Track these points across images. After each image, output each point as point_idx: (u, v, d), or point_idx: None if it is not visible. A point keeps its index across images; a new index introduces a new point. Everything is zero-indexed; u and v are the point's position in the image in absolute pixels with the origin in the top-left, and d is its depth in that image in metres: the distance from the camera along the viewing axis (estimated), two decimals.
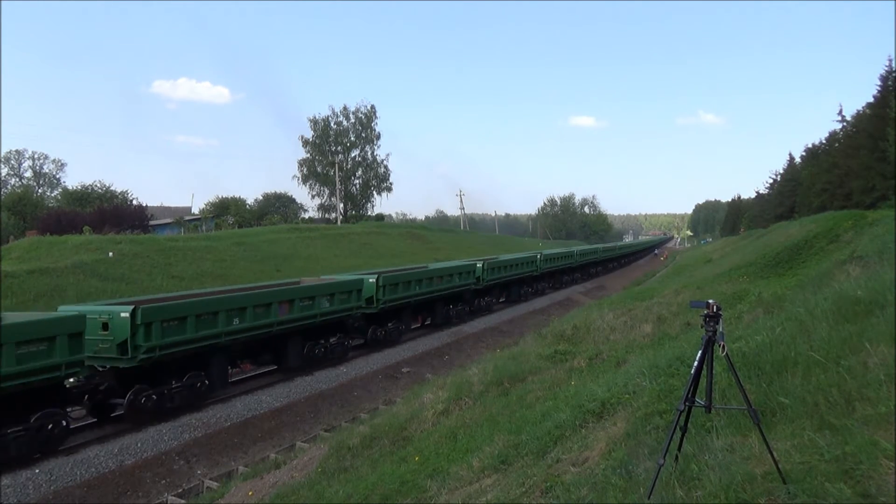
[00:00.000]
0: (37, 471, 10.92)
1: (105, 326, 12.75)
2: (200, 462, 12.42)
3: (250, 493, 9.87)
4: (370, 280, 20.69)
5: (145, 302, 14.00)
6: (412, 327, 24.34)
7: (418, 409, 11.12)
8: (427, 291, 24.00)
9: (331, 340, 18.57)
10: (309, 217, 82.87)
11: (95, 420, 13.42)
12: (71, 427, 12.21)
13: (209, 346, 14.50)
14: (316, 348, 17.92)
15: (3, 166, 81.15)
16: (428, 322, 25.88)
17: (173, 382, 13.86)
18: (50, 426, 11.41)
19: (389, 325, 21.88)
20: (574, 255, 47.07)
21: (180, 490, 11.33)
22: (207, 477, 11.80)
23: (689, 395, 3.74)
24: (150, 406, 13.25)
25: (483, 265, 29.85)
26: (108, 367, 13.15)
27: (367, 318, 20.85)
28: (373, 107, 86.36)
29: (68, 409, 12.31)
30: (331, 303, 18.15)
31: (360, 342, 20.91)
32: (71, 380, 12.35)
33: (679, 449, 3.95)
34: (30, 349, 10.82)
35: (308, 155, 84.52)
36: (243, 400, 15.27)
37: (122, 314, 12.71)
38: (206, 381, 14.60)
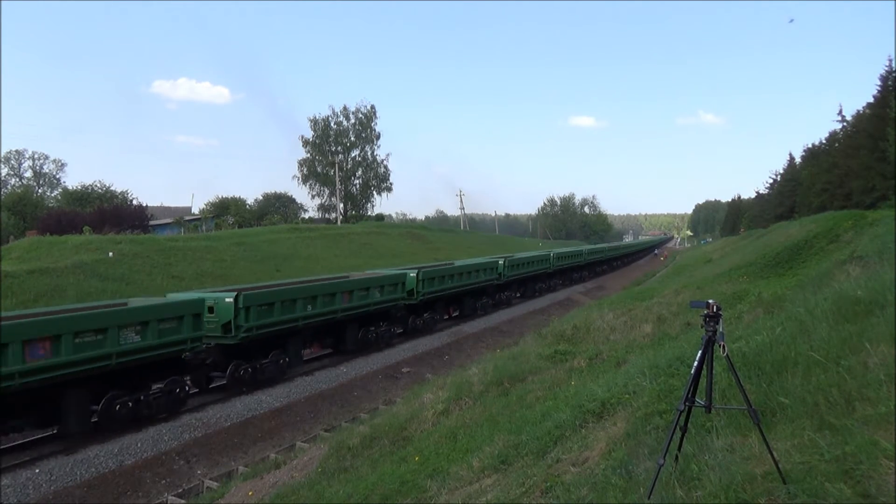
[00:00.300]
0: (37, 471, 10.92)
1: (211, 310, 14.91)
2: (200, 462, 12.41)
3: (250, 493, 9.87)
4: (411, 274, 22.99)
5: (243, 290, 16.21)
6: (444, 318, 26.57)
7: (418, 409, 11.12)
8: (458, 285, 26.33)
9: (381, 327, 21.00)
10: (309, 217, 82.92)
11: (198, 390, 15.43)
12: (190, 392, 14.42)
13: (289, 328, 16.78)
14: (368, 334, 20.32)
15: (3, 166, 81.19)
16: (456, 314, 27.84)
17: (262, 359, 16.08)
18: (177, 390, 13.72)
19: (426, 315, 24.15)
20: (583, 253, 50.35)
21: (180, 490, 11.33)
22: (207, 477, 11.79)
23: (689, 395, 3.74)
24: (247, 378, 15.65)
25: (504, 262, 31.85)
26: (212, 344, 15.30)
27: (407, 308, 22.91)
28: (372, 107, 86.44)
29: (186, 378, 14.47)
30: (381, 294, 20.62)
31: (401, 331, 22.80)
32: (185, 355, 14.26)
33: (679, 449, 3.95)
34: (166, 326, 13.15)
35: (308, 155, 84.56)
36: (243, 400, 15.27)
37: (227, 299, 15.03)
38: (286, 359, 16.84)
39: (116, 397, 12.40)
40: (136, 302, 14.78)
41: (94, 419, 12.29)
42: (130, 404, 12.62)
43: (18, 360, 10.46)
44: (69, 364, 11.26)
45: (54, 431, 12.30)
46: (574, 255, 47.84)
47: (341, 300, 18.58)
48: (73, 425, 11.84)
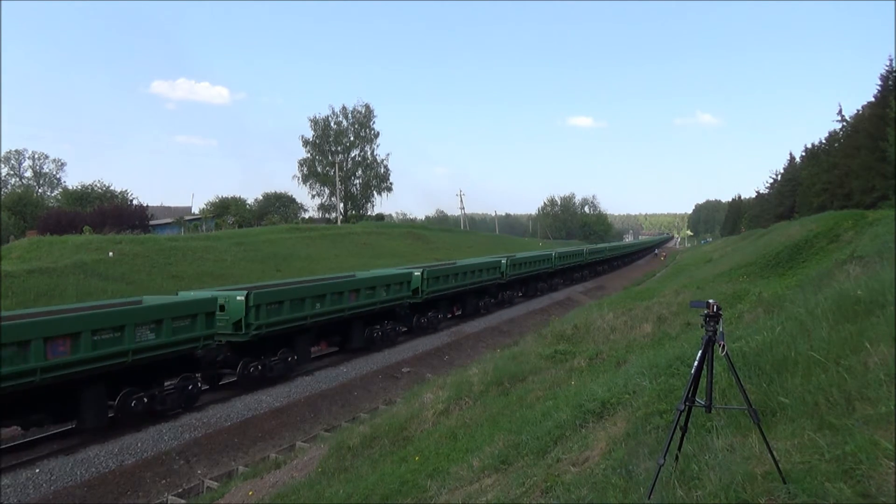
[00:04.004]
0: (37, 470, 10.92)
1: (222, 308, 15.07)
2: (200, 462, 12.41)
3: (250, 493, 9.88)
4: (416, 273, 23.06)
5: (252, 288, 16.37)
6: (448, 317, 26.63)
7: (418, 409, 11.12)
8: (461, 284, 26.44)
9: (386, 326, 21.13)
10: (309, 217, 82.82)
11: (208, 387, 15.67)
12: (202, 389, 14.71)
13: (299, 326, 17.00)
14: (374, 332, 20.49)
15: (3, 166, 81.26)
16: (459, 313, 27.87)
17: (271, 356, 16.28)
18: (190, 387, 14.05)
19: (430, 313, 24.24)
20: (584, 253, 50.19)
21: (180, 490, 11.33)
22: (207, 477, 11.80)
23: (690, 395, 3.74)
24: (257, 374, 15.84)
25: (507, 261, 31.95)
26: (223, 341, 15.43)
27: (412, 307, 23.00)
28: (367, 105, 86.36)
29: (197, 375, 14.62)
30: (387, 292, 20.77)
31: (405, 329, 22.89)
32: (198, 352, 14.48)
33: (679, 449, 3.95)
34: (180, 324, 13.43)
35: (308, 155, 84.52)
36: (243, 400, 15.26)
37: (238, 297, 15.24)
38: (295, 356, 17.06)
39: (132, 393, 12.73)
40: (151, 300, 14.94)
41: (111, 414, 12.60)
42: (145, 400, 12.95)
43: (40, 357, 10.75)
44: (88, 360, 11.54)
45: (73, 426, 12.62)
46: (575, 254, 48.21)
47: (348, 298, 18.80)
48: (91, 420, 12.16)
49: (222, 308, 15.12)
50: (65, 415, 12.24)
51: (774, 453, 3.48)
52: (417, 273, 23.14)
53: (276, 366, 16.41)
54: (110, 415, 12.56)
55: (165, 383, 13.68)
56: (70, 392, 11.78)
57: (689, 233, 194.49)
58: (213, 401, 14.93)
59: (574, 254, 47.95)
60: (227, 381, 16.27)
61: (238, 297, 15.24)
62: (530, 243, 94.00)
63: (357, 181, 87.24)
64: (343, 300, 18.58)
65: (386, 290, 20.74)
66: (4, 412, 11.11)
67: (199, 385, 14.63)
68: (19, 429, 12.39)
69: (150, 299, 15.20)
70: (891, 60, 44.17)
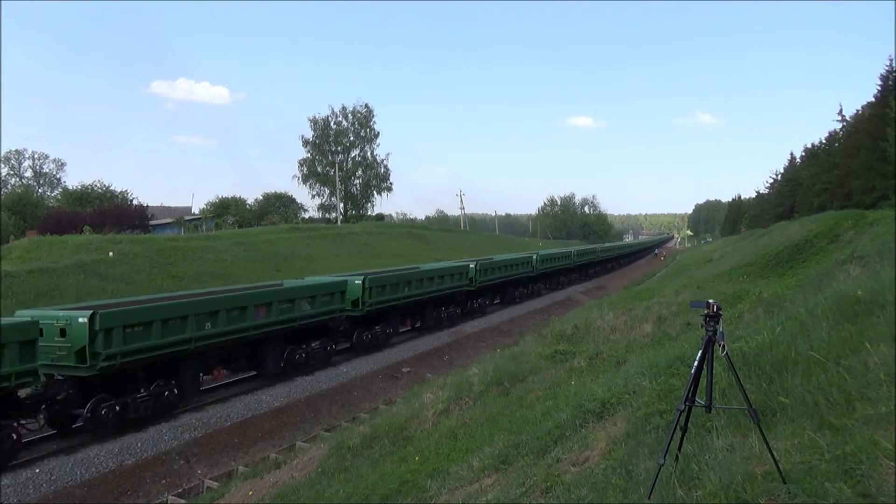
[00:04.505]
0: (37, 470, 10.93)
1: (63, 332, 11.99)
2: (200, 462, 12.42)
3: (250, 493, 9.88)
4: (356, 282, 19.67)
5: (108, 306, 13.25)
6: (400, 331, 23.36)
7: (418, 409, 11.12)
8: (417, 293, 22.90)
9: (313, 345, 17.89)
10: (309, 217, 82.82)
11: (55, 431, 12.63)
12: (24, 440, 11.64)
13: (177, 352, 13.62)
14: (297, 353, 17.25)
15: (3, 166, 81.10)
16: (418, 325, 24.92)
17: (140, 391, 13.11)
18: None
19: (377, 328, 20.91)
20: (571, 255, 45.73)
21: (180, 490, 11.34)
22: (207, 477, 11.80)
23: (690, 395, 3.74)
24: (112, 417, 12.45)
25: (476, 266, 28.48)
26: (66, 375, 12.35)
27: (352, 321, 20.01)
28: (367, 105, 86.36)
29: (23, 422, 11.74)
30: (312, 305, 17.41)
31: (346, 346, 20.27)
32: (27, 390, 11.83)
33: (679, 449, 3.95)
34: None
35: (308, 155, 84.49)
36: (243, 400, 15.27)
37: (80, 319, 11.95)
38: (176, 390, 13.82)
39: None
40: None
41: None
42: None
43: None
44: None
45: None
46: (562, 256, 43.85)
47: (254, 315, 15.54)
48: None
49: (63, 333, 12.16)
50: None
51: (774, 453, 3.48)
52: (357, 281, 19.79)
53: (143, 404, 13.02)
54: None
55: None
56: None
57: (689, 233, 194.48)
58: (234, 394, 15.99)
59: (560, 256, 43.76)
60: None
61: (80, 319, 12.06)
62: (531, 243, 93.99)
63: (357, 181, 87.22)
64: (246, 317, 15.41)
65: (310, 303, 17.50)
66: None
67: (19, 437, 11.49)
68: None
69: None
70: (891, 60, 44.19)
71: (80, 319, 11.93)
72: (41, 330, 11.62)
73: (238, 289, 17.88)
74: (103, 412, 12.28)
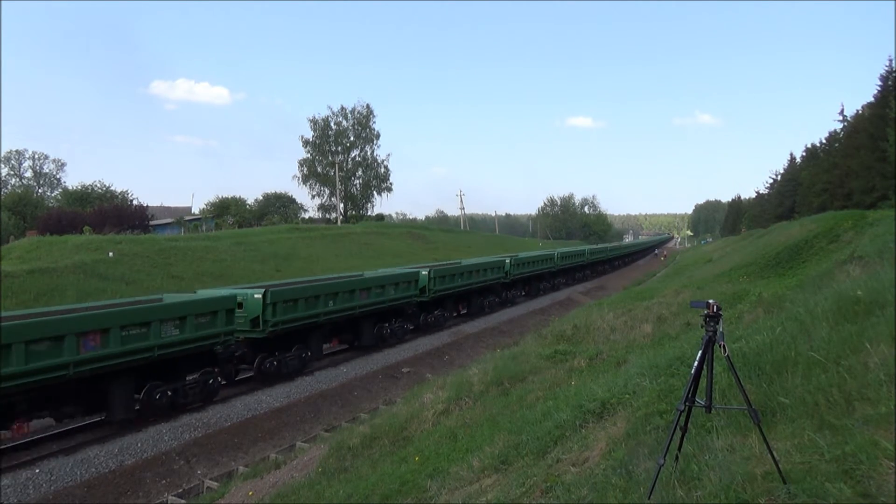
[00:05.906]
0: (37, 471, 10.93)
1: (240, 305, 15.50)
2: (200, 462, 12.41)
3: (250, 493, 9.87)
4: (424, 272, 23.87)
5: (271, 287, 16.84)
6: (453, 315, 27.38)
7: (418, 409, 11.12)
8: (466, 283, 27.11)
9: (394, 324, 21.76)
10: (309, 217, 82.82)
11: (226, 382, 15.88)
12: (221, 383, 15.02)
13: (312, 323, 17.59)
14: (383, 329, 21.16)
15: (3, 166, 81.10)
16: (464, 311, 28.60)
17: (286, 352, 16.85)
18: (210, 381, 14.55)
19: (436, 312, 24.96)
20: (585, 253, 51.52)
21: (180, 490, 11.33)
22: (207, 477, 11.79)
23: (690, 395, 3.73)
24: (273, 370, 16.38)
25: (510, 261, 32.81)
26: (242, 338, 15.91)
27: (419, 305, 23.73)
28: (368, 106, 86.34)
29: (215, 370, 14.90)
30: (396, 291, 21.45)
31: (412, 327, 23.51)
32: (219, 348, 14.81)
33: (679, 449, 3.95)
34: (200, 321, 13.86)
35: (308, 155, 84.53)
36: (243, 400, 15.27)
37: (256, 295, 15.74)
38: (308, 352, 17.68)
39: (156, 387, 13.21)
40: (172, 298, 15.32)
41: (137, 407, 13.15)
42: (169, 393, 13.41)
43: (73, 352, 11.29)
44: (117, 355, 12.05)
45: (102, 418, 13.14)
46: (577, 254, 49.50)
47: (359, 297, 19.42)
48: (119, 413, 12.71)
49: (241, 305, 15.62)
50: (95, 408, 12.68)
51: (774, 453, 3.47)
52: (425, 272, 23.90)
53: (290, 361, 16.97)
54: (137, 407, 13.09)
55: (188, 378, 14.25)
56: (99, 386, 12.28)
57: (689, 233, 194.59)
58: (233, 395, 15.52)
59: (576, 254, 49.11)
60: (244, 376, 16.99)
61: (255, 295, 15.79)
62: (531, 243, 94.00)
63: (357, 181, 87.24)
64: (354, 298, 19.24)
65: (395, 289, 21.43)
66: (39, 404, 11.62)
67: (219, 380, 15.07)
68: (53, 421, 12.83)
69: (171, 297, 15.55)
70: (891, 60, 44.23)
71: (256, 295, 15.80)
72: (240, 303, 15.49)
73: (347, 276, 22.20)
74: (266, 366, 16.31)
